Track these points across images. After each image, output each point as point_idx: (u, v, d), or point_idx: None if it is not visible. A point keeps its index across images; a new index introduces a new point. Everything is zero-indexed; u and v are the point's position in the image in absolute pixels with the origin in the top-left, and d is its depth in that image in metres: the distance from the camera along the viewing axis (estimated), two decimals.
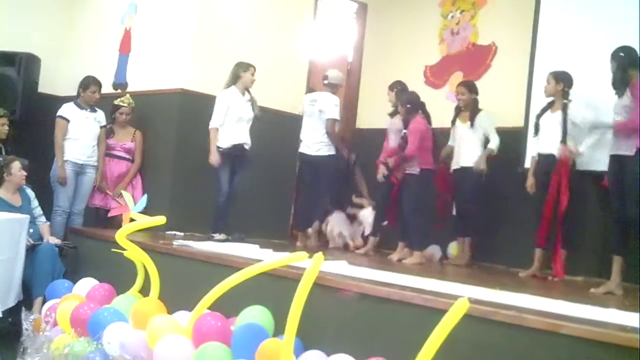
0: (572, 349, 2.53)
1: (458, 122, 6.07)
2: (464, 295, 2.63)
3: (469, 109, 5.97)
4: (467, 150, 5.92)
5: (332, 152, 6.31)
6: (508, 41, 6.63)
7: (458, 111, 6.10)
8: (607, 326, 2.58)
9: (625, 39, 4.68)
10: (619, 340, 2.42)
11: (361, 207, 6.73)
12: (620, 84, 4.43)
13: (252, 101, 5.83)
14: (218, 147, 5.65)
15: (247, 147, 5.80)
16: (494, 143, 5.85)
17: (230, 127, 5.71)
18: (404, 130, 5.73)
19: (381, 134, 6.37)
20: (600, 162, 4.87)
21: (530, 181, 5.40)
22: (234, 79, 5.76)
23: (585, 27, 5.80)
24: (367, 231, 6.41)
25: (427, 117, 5.84)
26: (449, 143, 6.11)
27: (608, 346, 2.44)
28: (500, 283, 4.24)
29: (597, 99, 5.16)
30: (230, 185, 5.71)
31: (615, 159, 4.47)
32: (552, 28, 6.04)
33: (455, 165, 6.03)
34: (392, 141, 5.99)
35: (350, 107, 7.80)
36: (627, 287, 4.33)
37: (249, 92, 5.83)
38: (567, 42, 5.89)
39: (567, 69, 5.41)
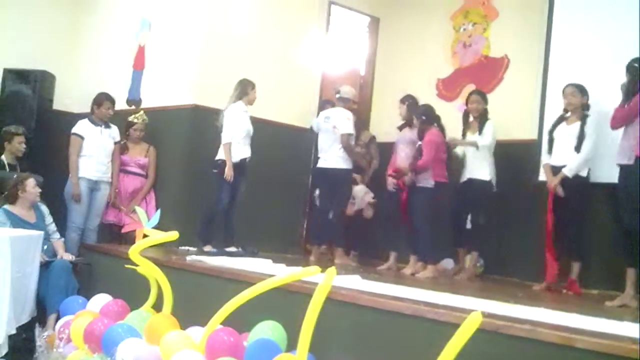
0: None
1: (467, 133, 6.05)
2: (477, 309, 2.61)
3: (479, 119, 5.95)
4: (477, 161, 5.89)
5: (349, 166, 6.30)
6: (520, 54, 6.62)
7: (467, 121, 6.08)
8: (621, 339, 2.55)
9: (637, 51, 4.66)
10: (634, 353, 2.39)
11: (356, 183, 6.73)
12: (632, 94, 4.43)
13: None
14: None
15: (248, 160, 5.88)
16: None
17: (240, 142, 5.77)
18: (419, 142, 5.73)
19: (393, 147, 6.37)
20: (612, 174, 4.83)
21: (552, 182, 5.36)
22: (242, 94, 5.83)
23: (597, 39, 5.78)
24: (357, 207, 6.63)
25: (442, 130, 5.83)
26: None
27: None
28: (514, 296, 4.21)
29: (610, 110, 5.13)
30: (231, 197, 5.75)
31: (620, 168, 4.51)
32: (565, 40, 6.03)
33: (463, 177, 6.00)
34: (401, 154, 5.98)
35: (361, 120, 7.79)
36: None
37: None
38: (579, 55, 5.87)
39: (580, 82, 5.42)
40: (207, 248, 5.65)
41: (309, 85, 7.12)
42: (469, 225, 6.01)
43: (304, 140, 6.94)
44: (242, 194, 5.85)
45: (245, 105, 5.85)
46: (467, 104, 6.15)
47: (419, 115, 5.82)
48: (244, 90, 5.84)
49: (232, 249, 5.67)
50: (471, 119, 6.06)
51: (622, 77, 4.56)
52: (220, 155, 5.74)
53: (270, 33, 6.76)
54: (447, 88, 7.21)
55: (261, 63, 6.60)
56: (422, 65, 7.42)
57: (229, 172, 5.65)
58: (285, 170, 6.71)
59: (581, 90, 5.34)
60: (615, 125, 4.51)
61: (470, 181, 5.87)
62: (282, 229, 6.71)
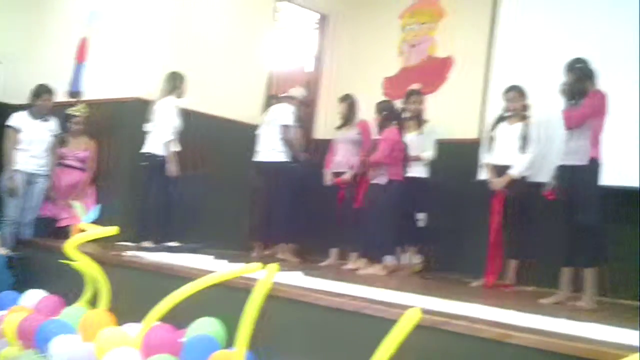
0: (522, 358, 2.54)
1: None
2: (416, 306, 2.63)
3: (417, 118, 6.01)
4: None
5: (287, 158, 6.26)
6: (465, 54, 6.70)
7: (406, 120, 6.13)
8: (556, 336, 2.59)
9: (580, 52, 4.70)
10: (567, 349, 2.43)
11: None
12: (578, 95, 4.46)
13: None
14: (158, 156, 5.68)
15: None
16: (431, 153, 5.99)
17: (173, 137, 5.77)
18: (378, 137, 5.75)
19: (330, 145, 6.39)
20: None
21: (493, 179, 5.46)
22: (173, 88, 5.80)
23: (540, 41, 5.89)
24: None
25: (401, 129, 5.85)
26: None
27: (556, 355, 2.45)
28: (453, 293, 4.26)
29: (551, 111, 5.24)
30: (166, 192, 5.73)
31: (566, 169, 4.49)
32: (508, 42, 6.13)
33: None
34: (340, 153, 5.99)
35: (307, 117, 7.79)
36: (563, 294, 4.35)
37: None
38: (522, 56, 5.98)
39: (522, 83, 5.52)
40: (146, 244, 5.57)
41: (256, 81, 7.07)
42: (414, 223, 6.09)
43: (250, 136, 6.89)
44: (178, 189, 5.80)
45: (175, 99, 5.79)
46: (405, 102, 6.19)
47: (381, 111, 5.82)
48: (174, 84, 5.80)
49: (174, 243, 5.59)
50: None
51: (562, 78, 4.61)
52: (149, 148, 5.71)
53: (218, 27, 6.69)
54: (393, 87, 7.25)
55: (207, 57, 6.52)
56: (369, 63, 7.44)
57: (174, 168, 5.60)
58: (231, 165, 6.65)
59: (521, 93, 5.45)
60: (571, 125, 4.46)
61: (413, 179, 5.92)
62: (226, 225, 6.64)
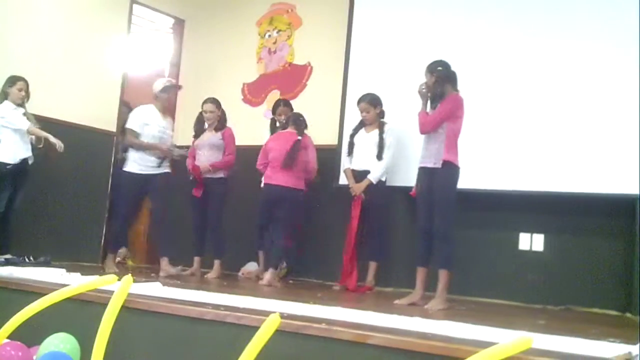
0: (379, 358, 2.61)
1: None
2: (277, 311, 2.63)
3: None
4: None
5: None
6: (323, 61, 6.83)
7: (274, 129, 6.18)
8: (410, 334, 2.68)
9: (437, 56, 4.73)
10: (421, 347, 2.52)
11: None
12: (438, 97, 4.49)
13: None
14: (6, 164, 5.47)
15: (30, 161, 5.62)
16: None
17: (17, 142, 5.53)
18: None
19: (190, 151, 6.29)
20: (408, 177, 5.04)
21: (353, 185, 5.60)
22: (3, 95, 5.57)
23: (393, 47, 6.10)
24: None
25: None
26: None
27: (412, 354, 2.53)
28: (314, 297, 4.31)
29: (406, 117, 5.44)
30: (10, 201, 5.50)
31: (423, 171, 4.54)
32: (363, 49, 6.30)
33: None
34: (202, 158, 5.92)
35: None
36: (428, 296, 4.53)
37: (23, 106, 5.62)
38: (377, 63, 6.17)
39: (378, 88, 5.70)
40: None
41: (109, 86, 6.84)
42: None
43: (104, 144, 6.66)
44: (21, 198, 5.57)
45: (12, 104, 5.54)
46: (274, 113, 6.25)
47: (295, 119, 5.80)
48: (3, 90, 5.55)
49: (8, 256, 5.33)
50: (278, 124, 6.20)
51: (416, 85, 4.69)
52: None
53: (68, 30, 6.43)
54: (253, 93, 7.27)
55: (57, 62, 6.25)
56: (228, 69, 7.43)
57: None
58: (84, 174, 6.39)
59: (373, 103, 5.62)
60: (425, 130, 4.49)
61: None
62: (79, 236, 6.38)
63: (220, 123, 6.05)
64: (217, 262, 5.93)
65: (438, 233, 4.37)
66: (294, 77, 7.02)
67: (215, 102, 6.04)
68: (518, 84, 5.47)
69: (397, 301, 4.42)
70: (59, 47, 6.31)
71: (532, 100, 5.39)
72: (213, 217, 5.93)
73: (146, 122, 5.77)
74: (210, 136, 6.01)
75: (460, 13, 5.82)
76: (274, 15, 7.31)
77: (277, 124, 6.22)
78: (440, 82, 4.48)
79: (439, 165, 4.40)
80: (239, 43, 7.46)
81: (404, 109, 5.44)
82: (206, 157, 5.95)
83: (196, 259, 6.02)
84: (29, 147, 5.55)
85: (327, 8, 6.87)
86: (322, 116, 6.48)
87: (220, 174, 5.97)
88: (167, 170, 5.89)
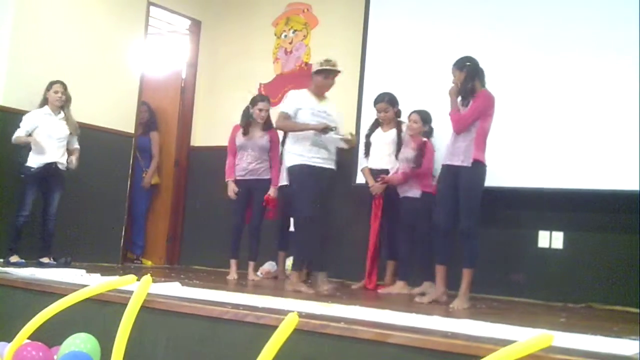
0: (399, 357, 2.60)
1: None
2: (296, 311, 2.63)
3: None
4: None
5: None
6: (339, 61, 6.74)
7: None
8: (431, 333, 2.67)
9: (457, 55, 4.67)
10: (442, 346, 2.51)
11: None
12: (470, 93, 4.42)
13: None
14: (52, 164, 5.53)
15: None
16: None
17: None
18: None
19: (216, 151, 6.30)
20: None
21: (372, 183, 5.56)
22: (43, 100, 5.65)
23: (409, 48, 6.09)
24: None
25: None
26: None
27: (432, 352, 2.52)
28: (332, 296, 4.31)
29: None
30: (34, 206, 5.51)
31: (448, 169, 4.48)
32: (379, 49, 6.29)
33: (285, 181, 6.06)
34: (250, 157, 5.77)
35: (184, 124, 7.67)
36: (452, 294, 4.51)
37: (63, 110, 5.68)
38: (393, 63, 6.16)
39: (393, 88, 5.69)
40: (14, 259, 5.29)
41: (128, 87, 6.88)
42: (291, 228, 6.11)
43: (123, 145, 6.70)
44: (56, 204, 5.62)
45: (49, 109, 5.63)
46: None
47: None
48: (44, 95, 5.65)
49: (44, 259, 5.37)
50: None
51: (432, 84, 4.68)
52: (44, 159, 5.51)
53: (86, 33, 6.46)
54: (269, 93, 7.25)
55: (76, 64, 6.29)
56: (245, 69, 7.43)
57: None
58: (104, 175, 6.43)
59: (392, 103, 5.60)
60: (460, 129, 4.39)
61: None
62: (100, 237, 6.42)
63: (267, 122, 5.80)
64: (252, 264, 5.80)
65: (465, 232, 4.33)
66: (310, 76, 6.98)
67: (269, 101, 5.89)
68: (536, 81, 5.44)
69: (417, 299, 4.41)
70: (78, 49, 6.35)
71: (552, 97, 5.37)
72: (257, 219, 5.76)
73: (299, 106, 5.09)
74: (258, 137, 5.78)
75: (477, 12, 5.79)
76: (290, 16, 7.31)
77: None
78: (470, 78, 4.42)
79: (466, 164, 4.35)
80: (256, 43, 7.47)
81: (420, 108, 5.44)
82: (253, 158, 5.75)
83: (251, 264, 5.82)
84: (59, 151, 5.60)
85: (343, 7, 6.87)
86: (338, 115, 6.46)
87: (268, 176, 5.79)
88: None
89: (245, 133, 5.75)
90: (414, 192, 5.34)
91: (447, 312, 3.86)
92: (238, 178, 5.75)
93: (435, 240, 4.57)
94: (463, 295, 4.27)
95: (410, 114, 5.43)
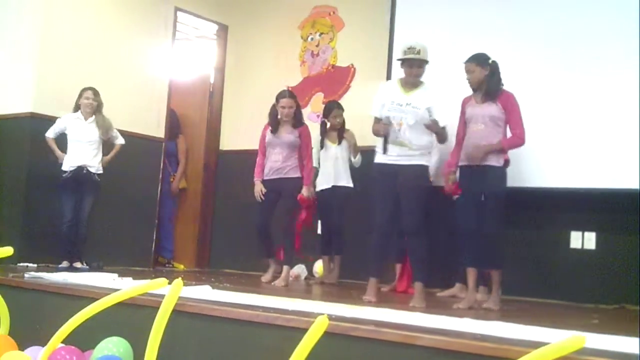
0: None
1: (328, 142, 6.15)
2: (326, 313, 2.63)
3: (339, 130, 6.11)
4: (340, 169, 6.05)
5: None
6: (366, 63, 6.83)
7: (325, 130, 6.18)
8: (462, 336, 2.66)
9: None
10: (472, 348, 2.50)
11: None
12: (494, 91, 4.38)
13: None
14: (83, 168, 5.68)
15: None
16: (359, 157, 6.08)
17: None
18: None
19: (245, 155, 6.33)
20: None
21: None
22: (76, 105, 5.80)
23: (435, 49, 6.05)
24: None
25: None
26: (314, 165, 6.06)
27: (462, 355, 2.51)
28: (363, 299, 4.31)
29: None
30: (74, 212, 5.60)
31: (471, 170, 4.44)
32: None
33: (324, 184, 6.08)
34: (279, 155, 5.63)
35: (212, 128, 7.73)
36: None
37: (95, 114, 5.78)
38: None
39: None
40: (64, 264, 5.44)
41: (157, 92, 6.95)
42: (318, 231, 6.15)
43: (153, 150, 6.77)
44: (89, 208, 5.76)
45: (81, 113, 5.76)
46: (327, 117, 6.19)
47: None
48: (76, 101, 5.81)
49: (77, 264, 5.46)
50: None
51: (459, 89, 4.65)
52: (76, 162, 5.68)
53: (114, 39, 6.56)
54: (297, 96, 7.27)
55: (105, 70, 6.38)
56: (272, 73, 7.47)
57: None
58: (135, 180, 6.51)
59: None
60: (524, 139, 4.40)
61: (335, 188, 6.02)
62: (131, 241, 6.49)
63: (297, 119, 5.66)
64: (286, 268, 5.57)
65: (492, 233, 4.29)
66: (337, 79, 7.03)
67: (293, 97, 5.71)
68: (565, 80, 5.39)
69: (455, 305, 4.26)
70: (106, 56, 6.45)
71: (583, 95, 5.31)
72: (286, 219, 5.62)
73: (381, 101, 4.72)
74: (286, 134, 5.63)
75: (503, 11, 5.77)
76: (316, 19, 7.33)
77: (328, 126, 6.19)
78: (497, 75, 4.39)
79: (497, 164, 4.33)
80: (282, 47, 7.50)
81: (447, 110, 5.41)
82: (282, 156, 5.60)
83: (285, 268, 5.59)
84: (89, 155, 5.70)
85: (369, 9, 6.87)
86: (366, 118, 6.45)
87: (296, 174, 5.62)
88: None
89: (273, 131, 5.65)
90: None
91: (478, 314, 3.83)
92: (265, 178, 5.64)
93: (463, 244, 4.50)
94: (495, 296, 4.24)
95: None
